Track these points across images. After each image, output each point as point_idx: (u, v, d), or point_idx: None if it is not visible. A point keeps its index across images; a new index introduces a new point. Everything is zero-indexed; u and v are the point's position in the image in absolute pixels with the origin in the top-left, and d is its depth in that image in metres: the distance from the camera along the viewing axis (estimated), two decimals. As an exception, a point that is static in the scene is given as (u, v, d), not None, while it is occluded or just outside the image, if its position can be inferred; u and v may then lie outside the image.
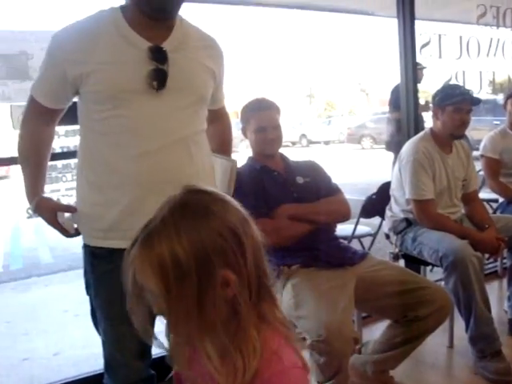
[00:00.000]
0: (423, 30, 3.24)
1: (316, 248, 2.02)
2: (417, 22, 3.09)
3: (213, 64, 1.54)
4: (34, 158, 1.53)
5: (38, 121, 1.51)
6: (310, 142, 20.90)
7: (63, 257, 5.19)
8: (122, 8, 1.44)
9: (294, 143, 19.94)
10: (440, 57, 3.39)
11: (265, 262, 0.88)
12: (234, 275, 0.80)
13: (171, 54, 1.39)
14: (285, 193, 2.08)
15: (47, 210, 1.50)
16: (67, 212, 1.52)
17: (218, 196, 0.88)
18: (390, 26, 3.20)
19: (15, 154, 1.55)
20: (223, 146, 1.77)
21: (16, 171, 2.01)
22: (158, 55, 1.38)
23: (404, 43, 3.08)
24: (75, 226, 1.52)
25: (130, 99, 1.37)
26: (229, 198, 0.89)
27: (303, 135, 21.13)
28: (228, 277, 0.80)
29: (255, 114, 2.11)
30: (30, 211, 1.55)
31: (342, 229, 3.13)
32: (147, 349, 1.47)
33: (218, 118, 1.72)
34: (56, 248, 5.56)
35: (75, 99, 1.48)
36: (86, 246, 1.49)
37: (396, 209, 2.75)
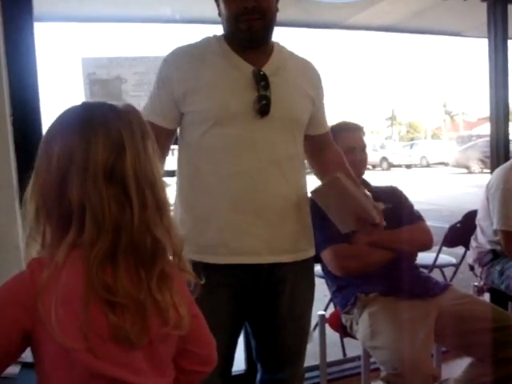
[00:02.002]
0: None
1: (395, 276, 1.96)
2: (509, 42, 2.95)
3: (311, 88, 1.56)
4: None
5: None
6: (391, 166, 20.41)
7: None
8: (223, 36, 1.52)
9: (374, 166, 19.56)
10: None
11: None
12: None
13: (271, 78, 1.44)
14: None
15: None
16: None
17: None
18: (479, 47, 3.08)
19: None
20: (340, 168, 1.65)
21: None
22: (262, 80, 1.43)
23: (495, 64, 2.94)
24: None
25: (232, 120, 1.43)
26: None
27: (384, 158, 20.69)
28: None
29: (344, 134, 2.10)
30: None
31: (423, 257, 3.00)
32: (229, 368, 1.53)
33: (326, 145, 1.69)
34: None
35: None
36: None
37: (482, 239, 2.60)
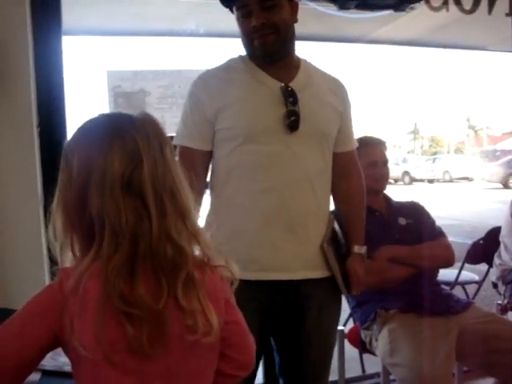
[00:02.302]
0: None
1: (416, 293, 1.93)
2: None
3: (339, 102, 1.57)
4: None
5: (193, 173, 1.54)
6: (414, 180, 20.18)
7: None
8: (247, 54, 1.54)
9: (396, 180, 19.36)
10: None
11: None
12: None
13: (299, 93, 1.45)
14: (386, 234, 2.03)
15: None
16: None
17: None
18: (504, 61, 3.05)
19: None
20: (353, 213, 1.64)
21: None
22: (291, 95, 1.44)
23: (520, 80, 2.90)
24: None
25: (261, 136, 1.44)
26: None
27: (406, 172, 20.48)
28: None
29: (366, 148, 2.09)
30: None
31: (445, 274, 2.95)
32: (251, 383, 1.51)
33: (350, 170, 1.62)
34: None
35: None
36: None
37: (506, 257, 2.55)
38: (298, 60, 1.55)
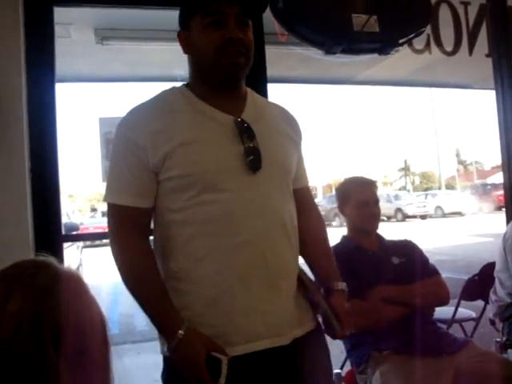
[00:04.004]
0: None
1: (410, 333, 1.90)
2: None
3: (293, 133, 1.40)
4: (151, 280, 1.22)
5: (134, 235, 1.23)
6: (406, 217, 20.26)
7: (157, 325, 5.33)
8: (187, 86, 1.32)
9: (389, 218, 19.44)
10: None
11: None
12: None
13: (253, 126, 1.25)
14: (379, 273, 2.01)
15: (197, 346, 1.16)
16: (223, 354, 1.16)
17: None
18: (488, 97, 3.13)
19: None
20: (320, 247, 1.45)
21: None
22: (246, 130, 1.24)
23: (504, 116, 2.97)
24: None
25: (221, 181, 1.21)
26: None
27: (398, 209, 20.58)
28: None
29: (357, 188, 2.11)
30: (165, 350, 1.22)
31: (441, 311, 2.92)
32: None
33: (307, 205, 1.45)
34: (150, 315, 5.72)
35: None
36: (167, 358, 1.24)
37: (502, 292, 2.53)
38: (245, 90, 1.35)
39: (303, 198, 1.43)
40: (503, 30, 2.83)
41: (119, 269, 1.24)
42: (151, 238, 1.31)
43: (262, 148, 1.24)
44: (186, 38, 1.29)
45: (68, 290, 0.75)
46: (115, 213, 1.25)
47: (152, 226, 1.31)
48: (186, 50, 1.31)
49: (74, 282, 0.78)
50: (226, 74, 1.25)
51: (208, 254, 1.20)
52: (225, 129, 1.24)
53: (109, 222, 1.26)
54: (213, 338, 1.18)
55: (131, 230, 1.23)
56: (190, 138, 1.21)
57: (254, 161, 1.22)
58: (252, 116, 1.28)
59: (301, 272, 1.35)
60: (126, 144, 1.23)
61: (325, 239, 1.46)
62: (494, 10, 2.81)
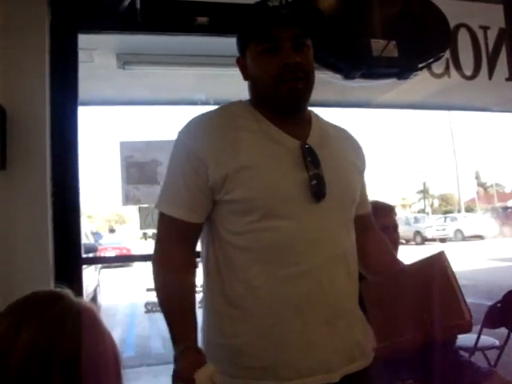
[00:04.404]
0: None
1: (431, 362, 1.85)
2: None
3: (358, 160, 1.35)
4: (179, 292, 1.19)
5: (179, 246, 1.21)
6: (425, 240, 19.98)
7: (173, 347, 5.30)
8: (251, 102, 1.28)
9: (407, 241, 19.19)
10: None
11: None
12: None
13: (318, 151, 1.21)
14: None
15: (191, 362, 1.10)
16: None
17: None
18: (509, 120, 3.09)
19: (142, 252, 1.53)
20: (389, 263, 1.39)
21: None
22: (311, 156, 1.19)
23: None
24: None
25: (284, 208, 1.16)
26: None
27: (417, 232, 20.32)
28: None
29: (376, 213, 2.09)
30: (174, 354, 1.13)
31: (464, 338, 2.85)
32: None
33: (366, 227, 1.40)
34: (167, 338, 5.68)
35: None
36: None
37: (526, 320, 2.48)
38: (309, 113, 1.31)
39: (364, 223, 1.39)
40: (524, 55, 2.83)
41: (153, 274, 1.22)
42: (198, 249, 1.30)
43: (327, 175, 1.19)
44: (243, 64, 1.26)
45: (81, 323, 0.76)
46: (164, 222, 1.23)
47: (202, 240, 1.29)
48: (244, 76, 1.28)
49: (88, 316, 0.79)
50: (286, 101, 1.21)
51: (264, 282, 1.15)
52: (290, 153, 1.19)
53: (157, 229, 1.26)
54: (262, 370, 1.14)
55: (176, 241, 1.21)
56: (254, 161, 1.17)
57: (318, 189, 1.17)
58: (317, 141, 1.24)
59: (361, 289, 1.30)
60: (186, 154, 1.20)
61: (390, 261, 1.41)
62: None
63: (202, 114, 1.26)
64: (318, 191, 1.17)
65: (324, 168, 1.19)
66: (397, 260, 1.45)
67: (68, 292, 0.81)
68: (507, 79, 2.85)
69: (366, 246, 1.35)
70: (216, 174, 1.16)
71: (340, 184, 1.23)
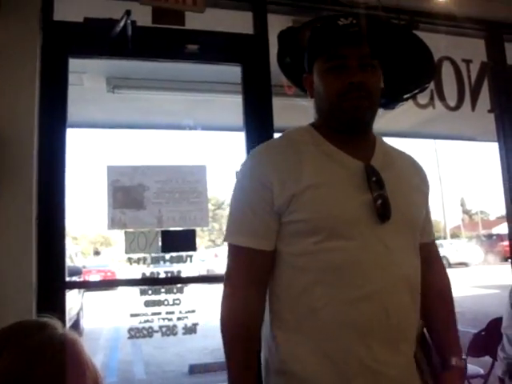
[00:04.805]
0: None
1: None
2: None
3: (422, 184, 1.33)
4: (246, 336, 1.15)
5: (257, 289, 1.17)
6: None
7: (156, 374, 5.21)
8: (313, 125, 1.28)
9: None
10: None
11: None
12: None
13: (382, 174, 1.19)
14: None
15: None
16: None
17: None
18: (492, 150, 3.16)
19: (127, 275, 1.45)
20: (443, 309, 1.32)
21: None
22: (375, 177, 1.17)
23: (507, 169, 2.99)
24: None
25: (348, 229, 1.13)
26: None
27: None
28: None
29: None
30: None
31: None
32: None
33: (430, 258, 1.34)
34: (150, 364, 5.60)
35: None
36: None
37: (510, 350, 2.48)
38: (373, 136, 1.29)
39: (429, 252, 1.34)
40: (504, 87, 2.90)
41: (221, 309, 1.17)
42: None
43: (391, 197, 1.16)
44: (310, 81, 1.26)
45: (63, 354, 0.75)
46: (233, 253, 1.19)
47: None
48: (310, 93, 1.28)
49: (71, 347, 0.78)
50: (348, 119, 1.19)
51: (326, 304, 1.10)
52: (352, 174, 1.18)
53: (228, 267, 1.20)
54: None
55: (246, 273, 1.16)
56: (319, 181, 1.15)
57: (383, 210, 1.14)
58: (380, 163, 1.22)
59: (424, 330, 1.25)
60: (251, 183, 1.19)
61: (451, 304, 1.33)
62: (494, 68, 2.89)
63: (263, 144, 1.27)
64: (383, 212, 1.14)
65: (388, 190, 1.17)
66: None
67: (54, 322, 0.80)
68: (489, 111, 2.92)
69: (427, 277, 1.27)
70: (281, 198, 1.14)
71: (404, 206, 1.20)
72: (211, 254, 18.62)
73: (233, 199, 1.23)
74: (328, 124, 1.24)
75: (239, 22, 2.42)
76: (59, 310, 1.87)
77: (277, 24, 2.41)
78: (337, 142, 1.21)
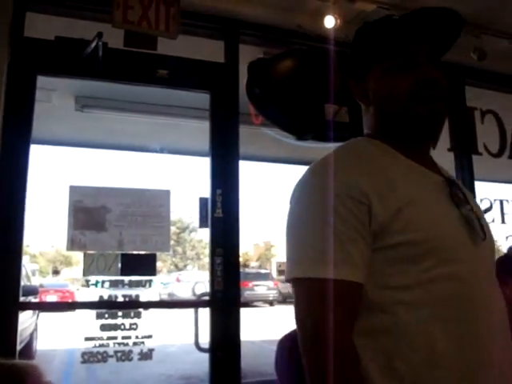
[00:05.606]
0: (484, 194, 3.30)
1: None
2: (477, 184, 3.06)
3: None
4: None
5: (343, 322, 0.85)
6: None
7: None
8: (371, 135, 1.05)
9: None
10: (503, 222, 3.37)
11: None
12: None
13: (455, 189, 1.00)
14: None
15: None
16: None
17: None
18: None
19: (85, 297, 1.48)
20: None
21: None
22: (462, 192, 0.99)
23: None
24: None
25: (457, 251, 0.92)
26: None
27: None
28: None
29: None
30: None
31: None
32: None
33: None
34: (104, 389, 5.42)
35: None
36: None
37: None
38: None
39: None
40: (464, 128, 3.05)
41: (309, 367, 0.85)
42: None
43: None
44: (361, 90, 1.05)
45: None
46: (317, 294, 0.86)
47: None
48: (365, 102, 1.06)
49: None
50: (423, 125, 0.98)
51: (449, 345, 0.86)
52: (436, 189, 0.97)
53: (301, 309, 0.88)
54: None
55: (342, 324, 0.85)
56: (415, 196, 0.91)
57: (481, 227, 0.95)
58: (449, 176, 1.03)
59: None
60: (335, 199, 0.88)
61: None
62: (454, 109, 3.02)
63: (331, 153, 0.98)
64: (482, 230, 0.95)
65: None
66: None
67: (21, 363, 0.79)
68: (449, 149, 3.05)
69: None
70: (384, 211, 0.88)
71: (486, 223, 1.01)
72: (173, 278, 18.36)
73: (302, 224, 0.92)
74: (392, 134, 1.01)
75: (211, 50, 2.46)
76: (11, 331, 1.81)
77: (248, 54, 2.46)
78: (407, 153, 0.99)
